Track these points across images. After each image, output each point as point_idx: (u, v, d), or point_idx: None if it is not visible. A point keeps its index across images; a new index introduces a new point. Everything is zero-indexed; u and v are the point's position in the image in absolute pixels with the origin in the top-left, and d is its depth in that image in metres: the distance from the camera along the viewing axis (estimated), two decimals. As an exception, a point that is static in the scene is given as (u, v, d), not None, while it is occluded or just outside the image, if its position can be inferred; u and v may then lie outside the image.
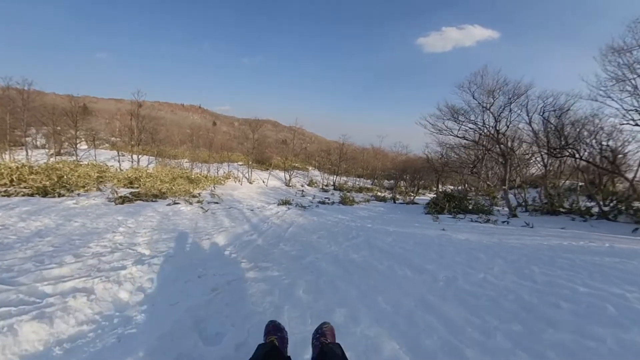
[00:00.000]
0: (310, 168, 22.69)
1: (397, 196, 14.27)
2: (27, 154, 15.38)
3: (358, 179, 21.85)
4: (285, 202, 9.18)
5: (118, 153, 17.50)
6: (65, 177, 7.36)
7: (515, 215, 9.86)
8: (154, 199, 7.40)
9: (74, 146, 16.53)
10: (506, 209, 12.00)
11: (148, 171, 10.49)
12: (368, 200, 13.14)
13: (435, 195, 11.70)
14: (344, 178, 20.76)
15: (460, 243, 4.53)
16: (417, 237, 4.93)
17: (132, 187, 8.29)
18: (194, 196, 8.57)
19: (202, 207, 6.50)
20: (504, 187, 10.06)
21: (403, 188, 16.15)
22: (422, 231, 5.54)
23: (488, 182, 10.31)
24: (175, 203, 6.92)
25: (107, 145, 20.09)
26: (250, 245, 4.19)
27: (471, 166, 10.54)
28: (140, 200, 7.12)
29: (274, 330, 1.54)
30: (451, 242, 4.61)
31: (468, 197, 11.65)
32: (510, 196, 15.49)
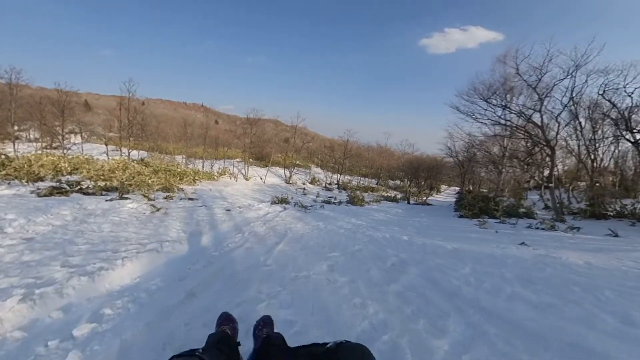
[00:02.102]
0: (312, 166, 20.43)
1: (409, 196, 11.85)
2: (14, 147, 13.64)
3: (362, 178, 19.55)
4: (281, 201, 6.78)
5: (106, 146, 15.57)
6: (25, 166, 5.83)
7: (562, 220, 7.51)
8: (104, 192, 5.23)
9: (62, 139, 14.80)
10: (537, 212, 9.73)
11: (133, 164, 8.96)
12: (378, 201, 10.74)
13: (458, 195, 9.26)
14: (348, 177, 18.47)
15: (600, 277, 2.14)
16: (508, 263, 2.48)
17: (104, 180, 6.50)
18: (168, 190, 6.54)
19: (153, 205, 4.12)
20: (550, 184, 7.62)
21: (415, 188, 13.71)
22: (499, 249, 3.09)
23: (535, 179, 7.86)
24: (122, 198, 4.58)
25: (104, 139, 18.19)
26: (172, 300, 1.64)
27: (525, 156, 8.04)
28: (81, 192, 4.95)
29: (226, 321, 1.36)
30: (578, 273, 2.22)
31: (494, 198, 9.22)
32: (535, 197, 13.13)
